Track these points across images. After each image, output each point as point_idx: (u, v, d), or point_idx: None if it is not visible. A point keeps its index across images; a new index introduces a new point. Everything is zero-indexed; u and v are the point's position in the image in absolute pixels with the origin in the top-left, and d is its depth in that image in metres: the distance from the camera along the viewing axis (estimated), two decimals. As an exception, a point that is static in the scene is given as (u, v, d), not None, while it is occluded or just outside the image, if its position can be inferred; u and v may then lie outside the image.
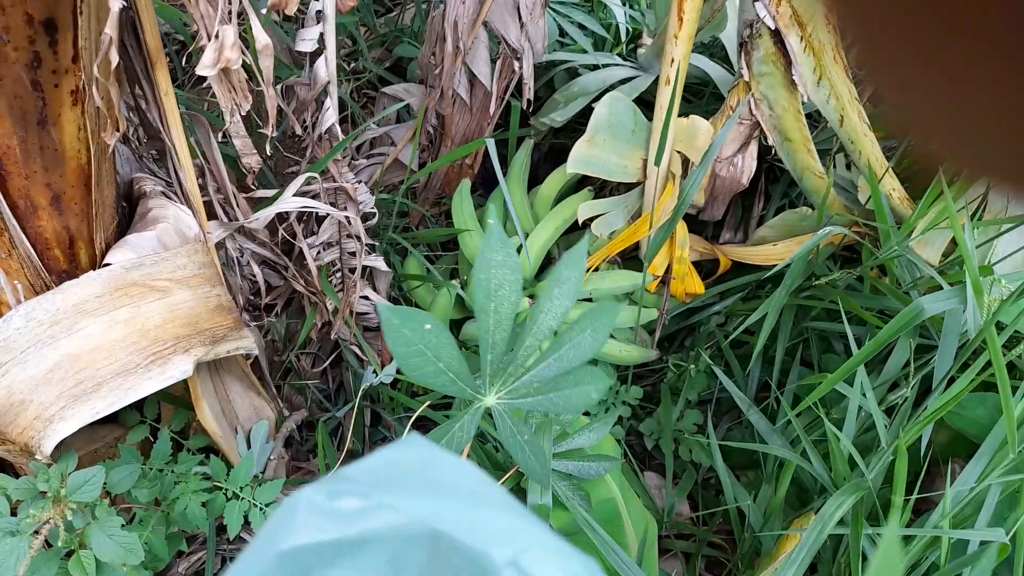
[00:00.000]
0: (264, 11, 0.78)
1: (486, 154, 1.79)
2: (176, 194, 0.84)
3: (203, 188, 0.91)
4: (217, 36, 0.65)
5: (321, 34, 0.95)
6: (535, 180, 1.47)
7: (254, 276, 1.04)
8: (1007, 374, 0.80)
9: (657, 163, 1.17)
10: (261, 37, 0.67)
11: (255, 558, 0.41)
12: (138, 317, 0.75)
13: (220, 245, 0.95)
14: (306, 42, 0.94)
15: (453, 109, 1.45)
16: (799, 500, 1.22)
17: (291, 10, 0.68)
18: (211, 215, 0.94)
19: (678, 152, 1.25)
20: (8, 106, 0.60)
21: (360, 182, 1.15)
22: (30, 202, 0.67)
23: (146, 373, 0.72)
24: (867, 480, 0.95)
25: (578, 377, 0.71)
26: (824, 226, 1.26)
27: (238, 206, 0.95)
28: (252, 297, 1.10)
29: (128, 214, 0.85)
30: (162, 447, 0.83)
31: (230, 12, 0.65)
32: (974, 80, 0.15)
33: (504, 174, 1.48)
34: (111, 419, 0.91)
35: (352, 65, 1.87)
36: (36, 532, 0.64)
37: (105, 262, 0.76)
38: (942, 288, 1.00)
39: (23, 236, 0.69)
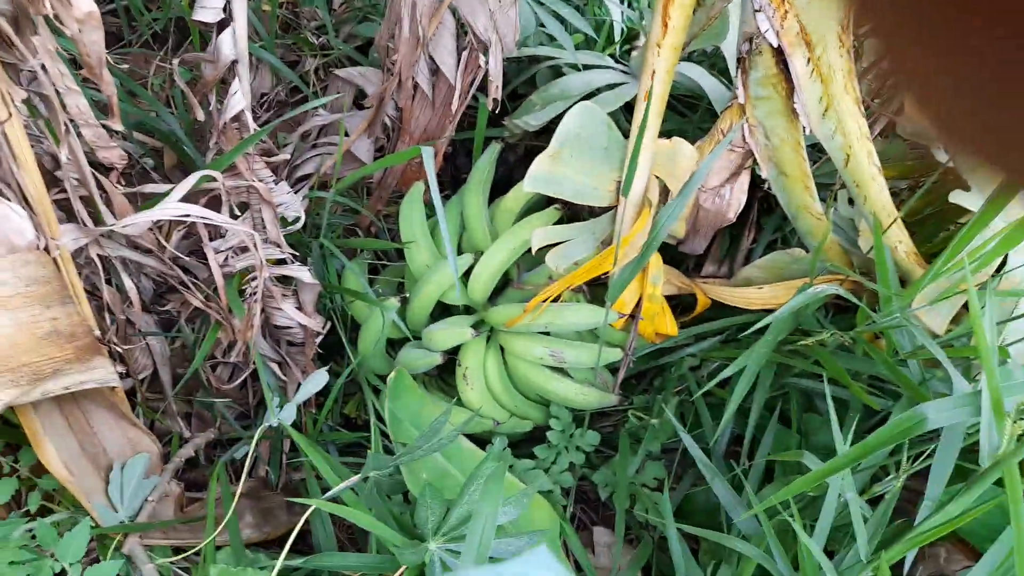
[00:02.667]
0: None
1: (453, 153, 1.62)
2: (10, 187, 0.67)
3: (59, 183, 0.74)
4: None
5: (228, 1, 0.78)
6: (509, 185, 1.29)
7: (136, 286, 0.87)
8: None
9: (625, 193, 1.00)
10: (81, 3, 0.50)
11: None
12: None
13: (81, 253, 0.79)
14: (206, 10, 0.77)
15: (413, 102, 1.27)
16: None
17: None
18: (72, 217, 0.77)
19: (657, 177, 1.08)
20: None
21: (278, 180, 0.99)
22: None
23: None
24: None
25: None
26: (818, 274, 1.10)
27: (109, 207, 0.79)
28: (130, 309, 0.93)
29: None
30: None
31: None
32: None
33: (466, 180, 1.31)
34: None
35: (321, 39, 1.70)
36: None
37: None
38: (943, 365, 0.84)
39: None
